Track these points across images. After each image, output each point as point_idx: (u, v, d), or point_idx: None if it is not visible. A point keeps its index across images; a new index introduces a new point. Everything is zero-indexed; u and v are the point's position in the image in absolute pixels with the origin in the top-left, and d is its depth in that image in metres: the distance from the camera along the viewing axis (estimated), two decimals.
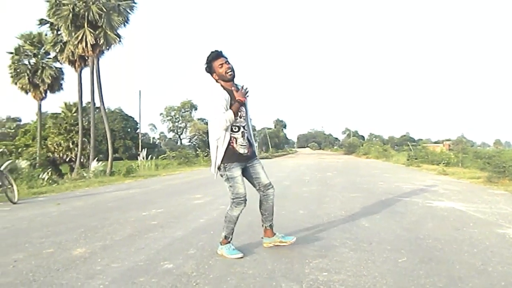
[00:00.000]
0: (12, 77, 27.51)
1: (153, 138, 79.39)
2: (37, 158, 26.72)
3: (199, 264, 3.43)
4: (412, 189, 9.44)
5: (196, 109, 70.87)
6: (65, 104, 34.98)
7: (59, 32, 23.11)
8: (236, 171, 3.65)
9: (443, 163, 18.10)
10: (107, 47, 21.57)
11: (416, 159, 21.95)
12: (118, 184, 12.53)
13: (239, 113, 3.67)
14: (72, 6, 20.35)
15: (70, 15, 20.33)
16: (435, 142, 65.92)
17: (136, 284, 2.99)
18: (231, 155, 3.62)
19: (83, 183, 12.64)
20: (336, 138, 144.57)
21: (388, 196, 8.05)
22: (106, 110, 23.62)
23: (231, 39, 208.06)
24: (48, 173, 15.79)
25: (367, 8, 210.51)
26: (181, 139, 72.75)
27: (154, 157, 24.96)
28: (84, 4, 20.50)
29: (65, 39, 22.33)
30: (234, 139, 3.65)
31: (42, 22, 23.32)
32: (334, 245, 4.10)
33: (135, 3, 22.13)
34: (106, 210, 6.72)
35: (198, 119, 70.55)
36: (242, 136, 3.70)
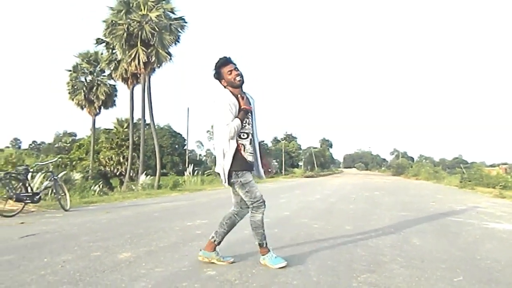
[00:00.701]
0: (69, 93, 29.04)
1: (200, 155, 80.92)
2: (90, 171, 27.82)
3: (242, 273, 3.36)
4: (466, 210, 8.96)
5: None
6: (117, 120, 36.31)
7: (114, 51, 24.21)
8: (249, 176, 3.56)
9: (500, 186, 17.12)
10: (159, 65, 22.30)
11: (469, 181, 20.94)
12: (164, 196, 12.76)
13: (247, 120, 3.59)
14: (126, 25, 21.26)
15: (125, 34, 21.24)
16: (490, 165, 62.71)
17: None
18: (241, 162, 3.53)
19: (132, 195, 12.97)
20: (384, 159, 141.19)
21: (440, 216, 7.67)
22: (156, 127, 24.32)
23: (280, 58, 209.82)
24: (99, 185, 16.39)
25: (421, 28, 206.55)
26: None
27: (200, 173, 25.29)
28: (138, 23, 21.36)
29: (119, 57, 23.36)
30: (242, 146, 3.56)
31: (98, 41, 24.50)
32: (384, 261, 3.91)
33: (185, 22, 22.83)
34: (152, 219, 6.82)
35: None
36: (250, 143, 3.62)
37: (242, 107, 3.52)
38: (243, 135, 3.57)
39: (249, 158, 3.59)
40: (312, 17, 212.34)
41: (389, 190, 16.69)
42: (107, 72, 27.44)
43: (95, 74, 29.40)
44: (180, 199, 11.81)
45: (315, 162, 74.00)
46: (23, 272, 3.35)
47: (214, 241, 3.73)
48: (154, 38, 21.34)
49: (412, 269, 3.63)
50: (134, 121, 26.61)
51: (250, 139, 3.62)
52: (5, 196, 7.73)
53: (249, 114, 3.62)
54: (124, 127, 34.63)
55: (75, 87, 28.94)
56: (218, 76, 3.62)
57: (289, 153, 76.47)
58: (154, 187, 18.17)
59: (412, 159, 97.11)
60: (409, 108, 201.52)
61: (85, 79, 29.36)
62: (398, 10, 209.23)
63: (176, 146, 58.39)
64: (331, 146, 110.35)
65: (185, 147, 52.49)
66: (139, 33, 21.31)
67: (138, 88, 24.16)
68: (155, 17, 21.38)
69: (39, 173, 9.52)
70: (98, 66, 28.87)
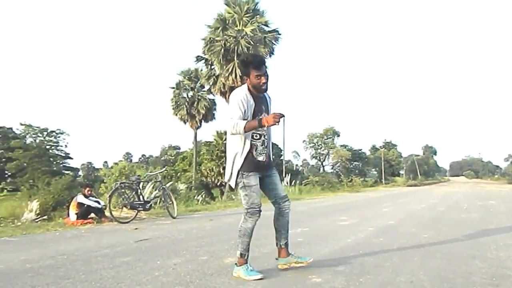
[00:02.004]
0: (173, 109, 31.06)
1: (296, 165, 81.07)
2: (193, 181, 29.31)
3: (349, 281, 3.24)
4: None
5: (338, 136, 70.46)
6: (217, 132, 37.75)
7: (212, 67, 25.39)
8: (254, 180, 3.41)
9: None
10: None
11: None
12: (264, 205, 12.90)
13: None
14: (223, 42, 22.23)
15: (222, 50, 22.21)
16: None
17: None
18: (249, 162, 3.39)
19: (232, 204, 13.39)
20: (497, 166, 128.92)
21: None
22: None
23: (377, 62, 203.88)
24: (202, 195, 17.22)
25: None
26: (323, 166, 72.77)
27: (297, 183, 25.30)
28: (234, 39, 22.23)
29: (217, 72, 24.43)
30: (254, 146, 3.43)
31: (198, 58, 25.88)
32: (508, 275, 3.50)
33: (279, 34, 23.26)
34: None
35: (341, 145, 69.89)
36: (262, 144, 3.48)
37: (262, 122, 3.23)
38: (256, 136, 3.44)
39: (259, 158, 3.46)
40: (412, 22, 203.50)
41: (507, 199, 15.14)
42: (207, 87, 28.83)
43: (195, 89, 31.10)
44: None
45: (418, 170, 70.22)
46: (139, 272, 3.59)
47: (281, 246, 3.65)
48: (250, 52, 21.96)
49: None
50: None
51: (263, 140, 3.49)
52: (121, 204, 8.43)
53: (264, 114, 3.44)
54: (224, 139, 35.90)
55: (178, 103, 30.86)
56: (245, 73, 3.45)
57: (389, 162, 73.42)
58: None
59: None
60: None
61: (187, 95, 31.19)
62: None
63: (273, 157, 59.14)
64: (435, 153, 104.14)
65: (282, 158, 52.88)
66: (235, 48, 22.14)
67: None
68: (250, 31, 22.07)
69: (149, 183, 10.25)
70: (198, 82, 30.50)
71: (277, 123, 3.25)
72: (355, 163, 71.44)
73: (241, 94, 3.39)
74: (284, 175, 30.50)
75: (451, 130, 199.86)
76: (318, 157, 73.92)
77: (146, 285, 3.18)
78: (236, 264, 3.46)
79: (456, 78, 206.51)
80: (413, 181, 52.69)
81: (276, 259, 3.67)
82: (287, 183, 23.55)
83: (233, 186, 3.52)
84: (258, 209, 3.45)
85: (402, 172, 77.13)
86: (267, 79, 3.43)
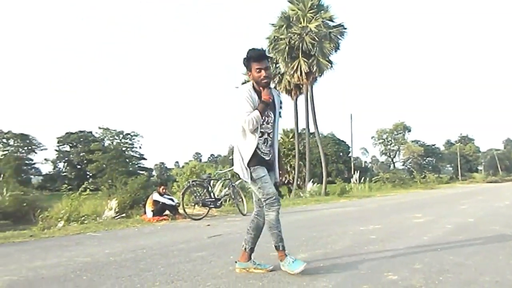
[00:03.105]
0: None
1: (365, 162, 79.13)
2: None
3: (427, 279, 3.10)
4: None
5: (409, 131, 67.74)
6: (283, 130, 37.82)
7: (277, 65, 25.44)
8: (262, 171, 3.30)
9: None
10: (320, 74, 22.67)
11: None
12: (333, 203, 12.78)
13: (265, 118, 3.34)
14: (288, 39, 22.17)
15: (287, 48, 22.16)
16: None
17: None
18: (255, 158, 3.30)
19: (301, 201, 13.36)
20: None
21: None
22: (320, 135, 24.64)
23: (442, 56, 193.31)
24: None
25: None
26: (393, 163, 70.34)
27: (367, 180, 24.71)
28: (298, 36, 22.10)
29: (282, 70, 24.43)
30: (258, 145, 3.33)
31: None
32: None
33: (345, 29, 22.78)
34: (324, 224, 6.87)
35: (412, 141, 67.19)
36: (265, 143, 3.38)
37: (262, 98, 3.32)
38: (258, 134, 3.34)
39: (265, 157, 3.39)
40: (485, 13, 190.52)
41: None
42: (272, 85, 28.92)
43: None
44: (348, 205, 11.68)
45: (498, 166, 65.69)
46: (214, 266, 3.70)
47: (245, 249, 3.51)
48: (315, 48, 21.77)
49: None
50: (299, 130, 27.42)
51: (265, 139, 3.40)
52: (193, 202, 8.72)
53: (270, 112, 3.40)
54: (290, 137, 35.91)
55: None
56: (247, 67, 3.45)
57: (466, 157, 69.47)
58: (321, 194, 18.40)
59: None
60: None
61: None
62: None
63: (341, 154, 58.28)
64: None
65: (350, 154, 51.93)
66: (300, 45, 22.01)
67: (301, 99, 24.93)
68: (315, 27, 21.82)
69: (219, 181, 10.51)
70: None
71: (273, 97, 3.42)
72: (428, 159, 68.47)
73: (246, 90, 3.39)
74: (353, 172, 29.99)
75: None
76: (388, 154, 71.58)
77: (221, 278, 3.27)
78: (279, 260, 3.42)
79: None
80: (493, 177, 49.29)
81: (236, 262, 3.55)
82: (356, 180, 23.08)
83: (248, 181, 3.38)
84: (275, 198, 3.33)
85: (480, 168, 72.68)
86: (269, 75, 3.40)
